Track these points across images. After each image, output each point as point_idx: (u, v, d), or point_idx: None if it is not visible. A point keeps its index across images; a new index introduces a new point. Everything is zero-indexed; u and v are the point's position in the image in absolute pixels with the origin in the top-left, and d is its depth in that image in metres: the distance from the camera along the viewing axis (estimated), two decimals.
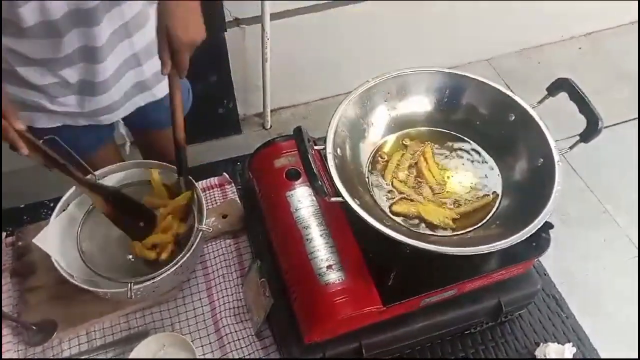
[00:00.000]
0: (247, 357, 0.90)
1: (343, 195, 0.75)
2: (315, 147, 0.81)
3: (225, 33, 1.90)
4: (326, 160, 0.79)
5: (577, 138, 0.82)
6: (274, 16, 1.94)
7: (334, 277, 0.79)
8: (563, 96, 0.85)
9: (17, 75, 1.00)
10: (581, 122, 0.82)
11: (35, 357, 0.90)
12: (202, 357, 0.90)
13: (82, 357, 0.90)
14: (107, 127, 1.18)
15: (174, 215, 0.94)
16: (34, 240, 0.88)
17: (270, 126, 2.37)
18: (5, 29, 0.92)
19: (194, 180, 0.95)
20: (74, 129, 1.12)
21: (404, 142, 0.93)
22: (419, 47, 2.25)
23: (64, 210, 0.94)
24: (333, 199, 0.74)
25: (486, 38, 2.51)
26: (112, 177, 0.98)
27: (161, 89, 1.19)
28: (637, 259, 2.02)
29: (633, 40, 2.75)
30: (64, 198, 0.94)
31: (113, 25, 0.98)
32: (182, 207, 0.95)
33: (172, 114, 0.90)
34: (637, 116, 2.44)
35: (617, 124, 2.36)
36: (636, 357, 1.64)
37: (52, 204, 1.07)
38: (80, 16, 0.92)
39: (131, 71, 1.09)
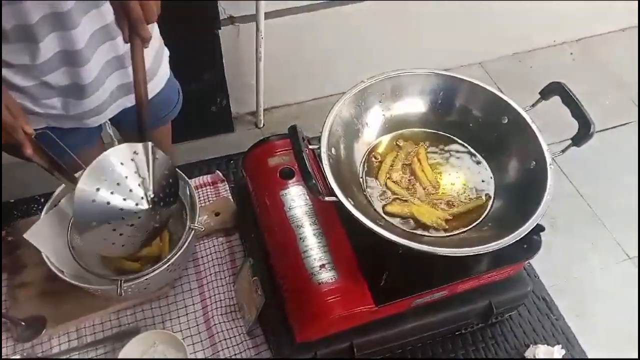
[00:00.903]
0: (238, 355, 0.90)
1: (337, 194, 0.75)
2: (310, 147, 0.81)
3: (219, 31, 1.89)
4: (320, 159, 0.79)
5: (568, 142, 0.83)
6: (269, 15, 1.94)
7: (326, 276, 0.79)
8: (553, 101, 0.86)
9: (5, 79, 0.98)
10: (570, 126, 0.83)
11: (24, 353, 0.89)
12: (192, 354, 0.90)
13: (72, 354, 0.89)
14: (94, 128, 1.17)
15: None
16: (24, 236, 0.87)
17: (263, 125, 2.37)
18: None
19: (186, 178, 0.95)
20: (60, 130, 1.10)
21: (398, 143, 0.93)
22: (412, 49, 2.26)
23: (55, 205, 0.93)
24: (327, 198, 0.74)
25: (479, 41, 2.53)
26: None
27: (149, 90, 1.18)
28: (625, 262, 2.05)
29: (623, 47, 2.79)
30: (55, 193, 0.93)
31: (92, 27, 0.97)
32: None
33: (134, 71, 0.86)
34: (625, 122, 2.47)
35: (606, 129, 2.39)
36: (636, 357, 1.66)
37: (42, 200, 1.07)
38: (56, 19, 0.91)
39: (115, 73, 1.08)
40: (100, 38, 1.00)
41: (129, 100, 1.16)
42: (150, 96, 1.19)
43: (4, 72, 0.98)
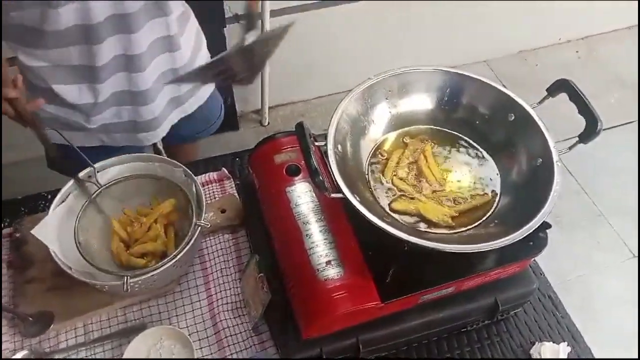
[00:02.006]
0: (244, 351, 0.90)
1: (343, 191, 0.75)
2: (316, 144, 0.81)
3: (225, 29, 1.89)
4: (327, 156, 0.79)
5: (573, 139, 0.82)
6: (274, 13, 1.94)
7: (332, 272, 0.79)
8: (558, 98, 0.86)
9: (53, 93, 0.99)
10: (574, 124, 0.83)
11: (32, 348, 0.89)
12: (199, 350, 0.90)
13: (79, 349, 0.90)
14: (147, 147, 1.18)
15: (160, 223, 0.95)
16: (32, 232, 0.88)
17: (268, 123, 2.37)
18: (32, 39, 0.90)
19: (193, 175, 0.95)
20: (112, 149, 1.11)
21: (404, 140, 0.93)
22: (417, 47, 2.26)
23: (62, 202, 0.93)
24: (333, 195, 0.74)
25: (484, 40, 2.52)
26: (111, 170, 0.98)
27: (192, 104, 1.19)
28: (630, 261, 2.04)
29: (628, 45, 2.77)
30: (63, 190, 0.94)
31: (155, 34, 0.97)
32: (168, 214, 0.95)
33: None
34: (631, 120, 2.46)
35: (612, 127, 2.38)
36: (636, 357, 1.66)
37: (50, 196, 1.07)
38: (121, 21, 0.90)
39: (169, 85, 1.09)
40: (161, 47, 1.00)
41: (177, 116, 1.18)
42: (192, 110, 1.21)
43: (58, 88, 0.99)
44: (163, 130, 1.15)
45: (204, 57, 1.15)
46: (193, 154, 1.46)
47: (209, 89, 1.23)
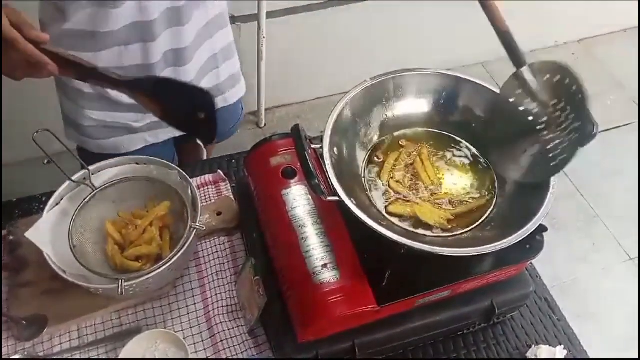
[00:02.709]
0: (240, 355, 0.89)
1: (339, 194, 0.75)
2: (312, 146, 0.81)
3: None
4: (323, 159, 0.79)
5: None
6: (270, 15, 1.94)
7: (328, 276, 0.79)
8: None
9: (107, 97, 0.99)
10: None
11: (25, 352, 0.88)
12: (194, 354, 0.90)
13: (73, 353, 0.89)
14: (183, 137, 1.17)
15: (155, 226, 0.94)
16: (26, 234, 0.87)
17: (265, 125, 2.37)
18: (82, 43, 0.89)
19: (188, 177, 0.95)
20: (155, 147, 1.11)
21: (400, 142, 0.93)
22: (414, 49, 2.26)
23: (56, 204, 0.93)
24: (329, 198, 0.74)
25: (480, 42, 2.52)
26: (107, 172, 0.97)
27: (234, 94, 1.18)
28: (625, 263, 2.05)
29: (624, 48, 2.79)
30: (57, 192, 0.93)
31: (199, 23, 0.96)
32: (163, 216, 0.95)
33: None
34: (626, 123, 2.47)
35: (607, 129, 2.39)
36: (636, 357, 1.66)
37: (44, 198, 1.06)
38: (174, 14, 0.89)
39: (210, 74, 1.08)
40: (203, 36, 0.99)
41: (218, 103, 1.17)
42: (234, 100, 1.21)
43: (111, 91, 0.97)
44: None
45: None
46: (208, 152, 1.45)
47: (243, 87, 1.24)
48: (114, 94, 1.01)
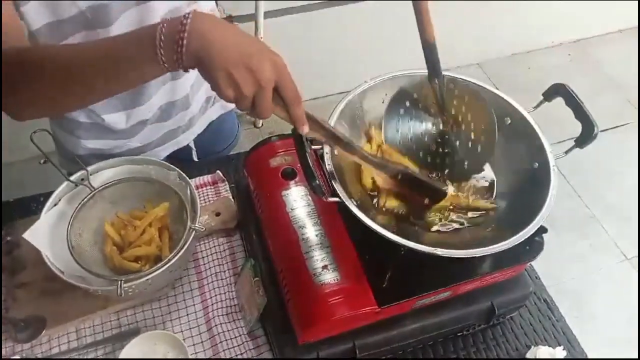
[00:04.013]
0: (239, 356, 0.89)
1: (340, 195, 0.74)
2: (312, 147, 0.80)
3: None
4: (323, 160, 0.79)
5: (564, 142, 0.83)
6: (268, 14, 1.94)
7: (329, 277, 0.79)
8: (549, 102, 0.87)
9: (102, 125, 1.01)
10: (566, 127, 0.83)
11: (23, 354, 0.88)
12: (193, 355, 0.89)
13: (72, 355, 0.89)
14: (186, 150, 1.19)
15: (154, 226, 0.94)
16: (24, 235, 0.86)
17: (262, 125, 2.36)
18: None
19: (187, 178, 0.95)
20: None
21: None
22: (411, 49, 2.25)
23: (55, 205, 0.92)
24: (330, 198, 0.74)
25: (477, 42, 2.53)
26: (104, 173, 0.96)
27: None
28: (622, 263, 2.05)
29: (620, 48, 2.80)
30: (55, 193, 0.92)
31: None
32: (162, 217, 0.95)
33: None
34: (622, 123, 2.48)
35: (604, 130, 2.40)
36: (635, 357, 1.67)
37: (42, 199, 1.05)
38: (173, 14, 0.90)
39: (205, 83, 1.09)
40: None
41: (215, 112, 1.20)
42: (212, 118, 1.22)
43: (109, 117, 1.00)
44: (200, 126, 1.17)
45: None
46: None
47: None
48: (109, 121, 1.01)
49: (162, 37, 0.63)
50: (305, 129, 0.71)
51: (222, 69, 0.61)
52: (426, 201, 0.84)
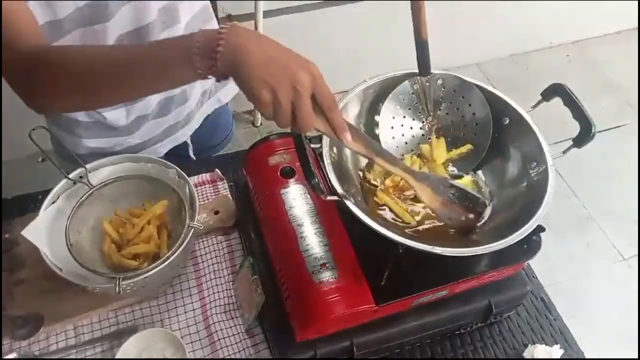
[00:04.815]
0: (237, 354, 0.89)
1: (339, 193, 0.75)
2: (311, 145, 0.81)
3: None
4: (322, 158, 0.79)
5: (561, 142, 0.83)
6: (267, 14, 1.94)
7: (327, 275, 0.79)
8: (546, 102, 0.87)
9: (103, 122, 1.01)
10: (563, 127, 0.83)
11: (21, 352, 0.88)
12: (191, 353, 0.89)
13: (70, 352, 0.89)
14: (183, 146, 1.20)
15: (153, 224, 0.94)
16: (22, 233, 0.86)
17: (260, 124, 2.36)
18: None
19: (186, 176, 0.95)
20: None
21: None
22: (409, 49, 2.26)
23: (53, 202, 0.92)
24: (329, 197, 0.74)
25: (475, 42, 2.53)
26: (102, 171, 0.96)
27: (225, 94, 1.19)
28: (619, 263, 2.06)
29: (619, 49, 2.81)
30: (54, 190, 0.92)
31: (186, 19, 0.96)
32: (160, 215, 0.95)
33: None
34: (620, 124, 2.49)
35: (602, 131, 2.40)
36: (635, 357, 1.67)
37: (40, 197, 1.05)
38: (169, 14, 0.89)
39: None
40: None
41: (210, 106, 1.20)
42: (226, 100, 1.23)
43: (110, 115, 1.00)
44: (197, 121, 1.18)
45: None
46: None
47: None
48: (110, 118, 1.01)
49: (198, 44, 0.64)
50: (347, 137, 0.69)
51: (258, 77, 0.62)
52: (471, 215, 0.83)
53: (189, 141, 1.23)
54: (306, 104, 0.64)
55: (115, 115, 1.02)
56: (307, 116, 0.64)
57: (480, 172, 0.92)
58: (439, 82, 0.91)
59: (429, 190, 0.80)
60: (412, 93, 0.91)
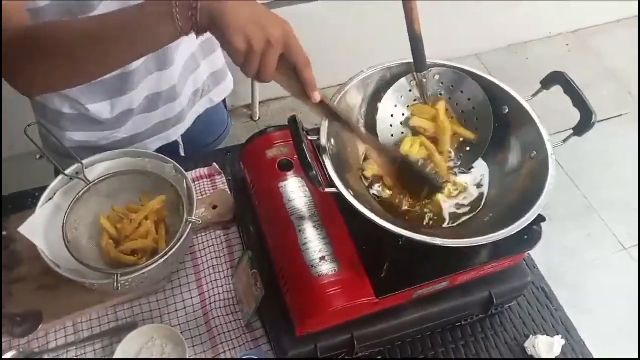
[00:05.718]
0: (237, 348, 0.89)
1: (337, 186, 0.74)
2: (309, 138, 0.80)
3: None
4: (320, 151, 0.78)
5: (561, 132, 0.82)
6: (270, 5, 1.92)
7: (326, 268, 0.78)
8: (546, 91, 0.87)
9: (87, 115, 1.00)
10: (563, 116, 0.82)
11: (20, 349, 0.87)
12: (191, 348, 0.89)
13: (69, 349, 0.88)
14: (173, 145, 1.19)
15: (151, 219, 0.93)
16: (19, 230, 0.86)
17: (259, 118, 2.36)
18: None
19: (183, 171, 0.94)
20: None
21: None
22: (405, 39, 2.25)
23: (50, 199, 0.91)
24: (327, 189, 0.73)
25: (474, 33, 2.52)
26: (99, 166, 0.96)
27: (217, 94, 1.18)
28: (619, 253, 2.06)
29: (619, 38, 2.79)
30: (50, 187, 0.92)
31: None
32: (158, 210, 0.94)
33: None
34: (621, 113, 2.48)
35: (602, 120, 2.39)
36: (635, 357, 1.67)
37: (37, 193, 1.05)
38: None
39: (192, 76, 1.08)
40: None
41: (202, 106, 1.18)
42: (218, 100, 1.21)
43: (93, 107, 1.00)
44: (189, 120, 1.17)
45: None
46: None
47: (230, 84, 1.24)
48: (94, 111, 1.00)
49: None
50: (317, 95, 0.74)
51: (236, 27, 0.66)
52: (425, 190, 0.85)
53: (180, 140, 1.22)
54: (273, 56, 0.69)
55: (98, 108, 1.01)
56: (270, 67, 0.70)
57: (480, 164, 0.91)
58: (436, 77, 0.90)
59: (385, 164, 0.86)
60: (410, 90, 0.90)
